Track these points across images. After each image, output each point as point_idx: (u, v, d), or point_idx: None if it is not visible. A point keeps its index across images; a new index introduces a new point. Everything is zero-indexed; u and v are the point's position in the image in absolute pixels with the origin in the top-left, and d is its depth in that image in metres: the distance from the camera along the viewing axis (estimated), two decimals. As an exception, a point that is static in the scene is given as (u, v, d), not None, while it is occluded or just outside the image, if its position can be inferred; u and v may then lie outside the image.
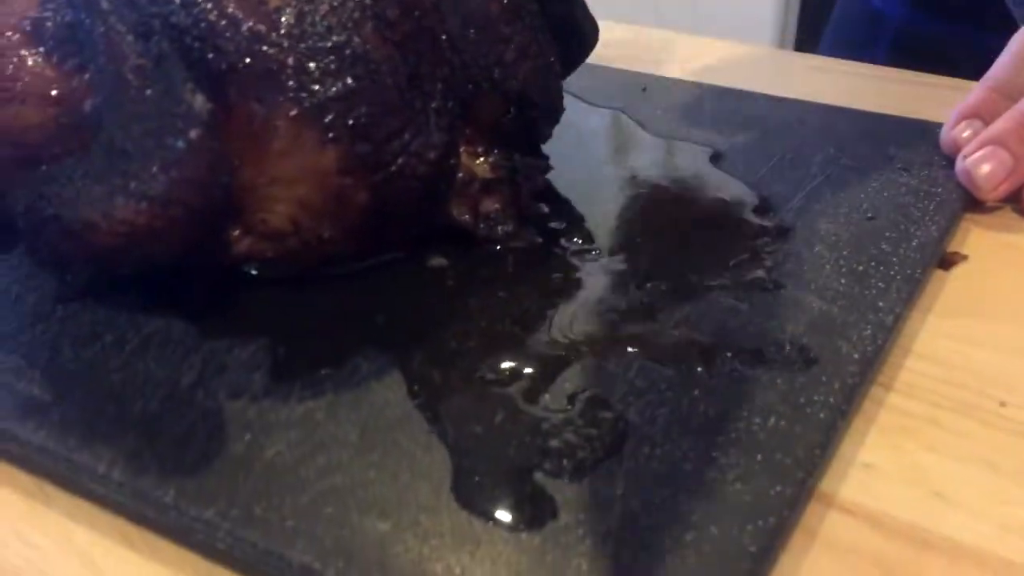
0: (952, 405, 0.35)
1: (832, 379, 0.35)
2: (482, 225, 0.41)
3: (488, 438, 0.33)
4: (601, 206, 0.46)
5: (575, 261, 0.42)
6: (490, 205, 0.41)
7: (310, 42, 0.36)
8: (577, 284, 0.40)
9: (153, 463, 0.32)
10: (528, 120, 0.43)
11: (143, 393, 0.35)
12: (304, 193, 0.36)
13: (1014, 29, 0.52)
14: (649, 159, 0.51)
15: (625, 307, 0.39)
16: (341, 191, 0.36)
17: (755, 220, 0.45)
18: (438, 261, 0.41)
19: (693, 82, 0.60)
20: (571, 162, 0.49)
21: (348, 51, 0.36)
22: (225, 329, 0.38)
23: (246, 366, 0.36)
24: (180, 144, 0.32)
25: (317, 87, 0.35)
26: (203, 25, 0.35)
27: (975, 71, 0.52)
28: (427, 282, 0.40)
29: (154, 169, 0.33)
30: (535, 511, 0.30)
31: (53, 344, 0.38)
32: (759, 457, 0.31)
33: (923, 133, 0.52)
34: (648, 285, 0.40)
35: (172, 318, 0.38)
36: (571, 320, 0.38)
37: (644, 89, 0.58)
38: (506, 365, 0.36)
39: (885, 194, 0.47)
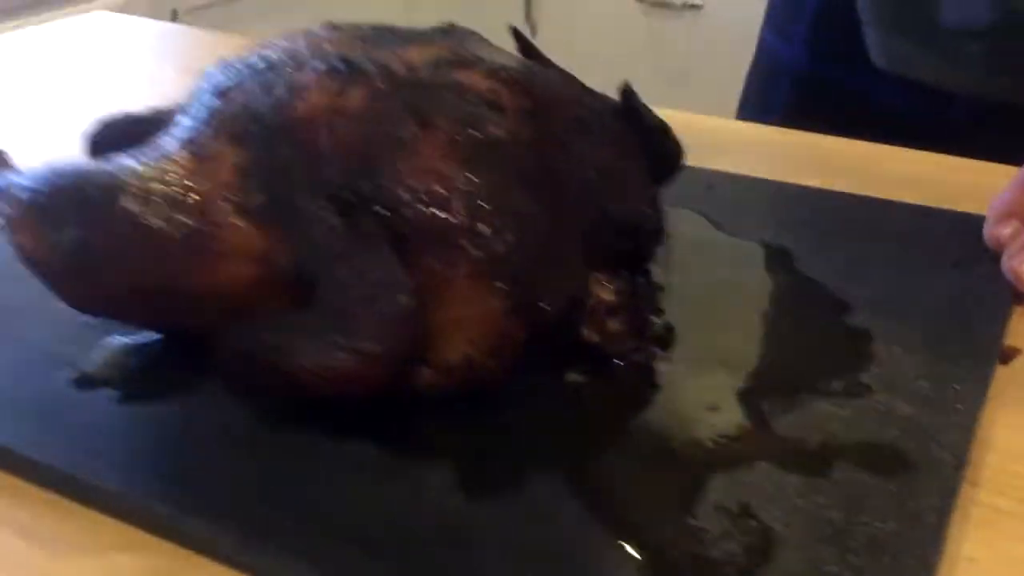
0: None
1: (932, 482, 0.41)
2: (610, 344, 0.47)
3: (654, 549, 0.39)
4: (701, 315, 0.52)
5: (686, 369, 0.48)
6: (615, 325, 0.47)
7: (477, 206, 0.42)
8: (694, 392, 0.47)
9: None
10: (640, 245, 0.49)
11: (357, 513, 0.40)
12: (476, 334, 0.42)
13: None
14: (729, 260, 0.57)
15: (743, 416, 0.45)
16: (506, 330, 0.42)
17: (838, 322, 0.51)
18: (574, 377, 0.47)
19: (750, 177, 0.66)
20: (662, 267, 0.55)
21: (508, 212, 0.42)
22: (411, 452, 0.44)
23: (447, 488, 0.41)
24: (393, 308, 0.39)
25: (485, 245, 0.41)
26: (388, 195, 0.41)
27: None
28: (568, 398, 0.47)
29: (371, 330, 0.39)
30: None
31: (264, 469, 0.43)
32: (886, 560, 0.38)
33: (967, 225, 0.59)
34: (756, 392, 0.47)
35: (362, 439, 0.44)
36: (697, 430, 0.44)
37: (711, 187, 0.64)
38: (656, 474, 0.42)
39: (943, 291, 0.54)
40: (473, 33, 0.50)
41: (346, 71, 0.44)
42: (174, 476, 0.43)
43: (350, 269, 0.40)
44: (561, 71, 0.51)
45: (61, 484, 0.43)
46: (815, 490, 0.41)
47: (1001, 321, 0.51)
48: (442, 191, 0.42)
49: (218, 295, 0.43)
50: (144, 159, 0.45)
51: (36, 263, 0.44)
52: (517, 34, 0.54)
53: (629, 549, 0.39)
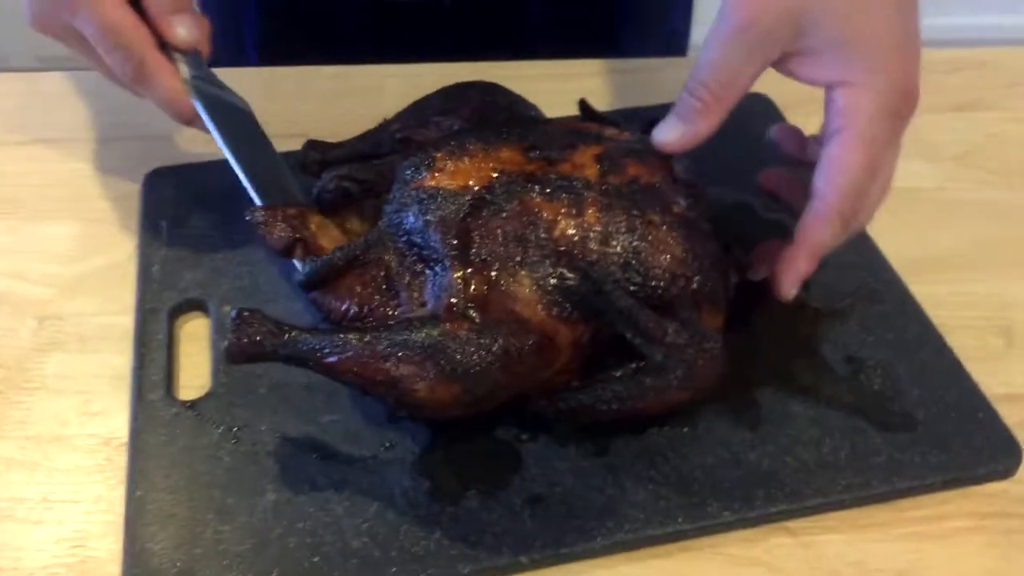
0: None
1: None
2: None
3: None
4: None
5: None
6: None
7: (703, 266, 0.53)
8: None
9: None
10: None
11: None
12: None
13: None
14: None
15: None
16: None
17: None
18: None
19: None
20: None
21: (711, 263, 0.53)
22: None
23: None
24: (715, 349, 0.51)
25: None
26: (649, 276, 0.51)
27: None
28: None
29: (707, 370, 0.51)
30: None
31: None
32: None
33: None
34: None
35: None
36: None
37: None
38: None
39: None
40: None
41: (564, 194, 0.52)
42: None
43: (662, 333, 0.50)
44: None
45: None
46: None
47: None
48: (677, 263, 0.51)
49: (546, 377, 0.51)
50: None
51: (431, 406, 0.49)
52: (585, 106, 0.61)
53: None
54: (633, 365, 0.51)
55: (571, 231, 0.51)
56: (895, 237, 0.66)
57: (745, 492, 0.51)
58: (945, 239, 0.67)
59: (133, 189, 0.68)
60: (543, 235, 0.51)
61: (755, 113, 0.74)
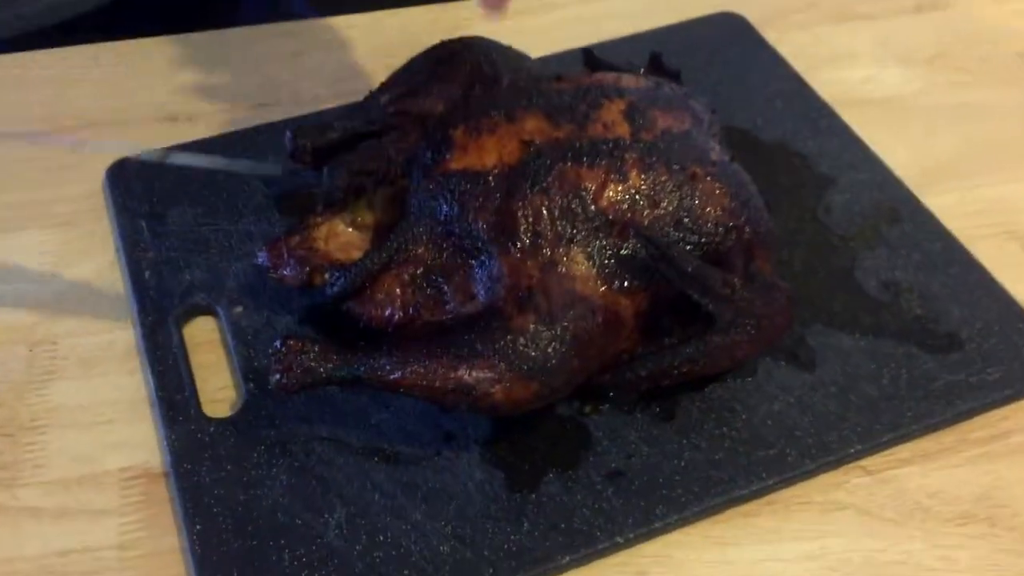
0: None
1: None
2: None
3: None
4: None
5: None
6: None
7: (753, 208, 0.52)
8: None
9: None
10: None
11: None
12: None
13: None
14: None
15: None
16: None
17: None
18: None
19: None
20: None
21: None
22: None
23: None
24: (783, 296, 0.51)
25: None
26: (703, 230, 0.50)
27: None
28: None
29: (782, 315, 0.50)
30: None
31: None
32: None
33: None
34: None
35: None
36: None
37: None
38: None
39: None
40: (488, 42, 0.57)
41: (603, 159, 0.49)
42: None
43: (730, 290, 0.48)
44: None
45: None
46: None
47: None
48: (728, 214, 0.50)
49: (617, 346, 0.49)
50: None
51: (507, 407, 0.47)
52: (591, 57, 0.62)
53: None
54: (697, 325, 0.49)
55: (618, 197, 0.49)
56: (892, 149, 0.65)
57: (819, 438, 0.50)
58: (941, 146, 0.67)
59: (94, 186, 0.62)
60: (590, 206, 0.49)
61: (730, 30, 0.72)
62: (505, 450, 0.50)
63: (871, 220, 0.61)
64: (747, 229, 0.50)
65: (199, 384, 0.53)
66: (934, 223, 0.61)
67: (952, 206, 0.62)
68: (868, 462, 0.51)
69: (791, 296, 0.50)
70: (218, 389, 0.53)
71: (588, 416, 0.51)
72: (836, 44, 0.74)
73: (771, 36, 0.73)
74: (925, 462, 0.51)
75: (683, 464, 0.49)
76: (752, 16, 0.74)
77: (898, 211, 0.61)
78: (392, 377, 0.46)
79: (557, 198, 0.48)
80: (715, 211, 0.49)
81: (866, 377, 0.53)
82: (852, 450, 0.50)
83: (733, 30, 0.73)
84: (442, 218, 0.50)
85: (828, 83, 0.70)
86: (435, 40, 0.59)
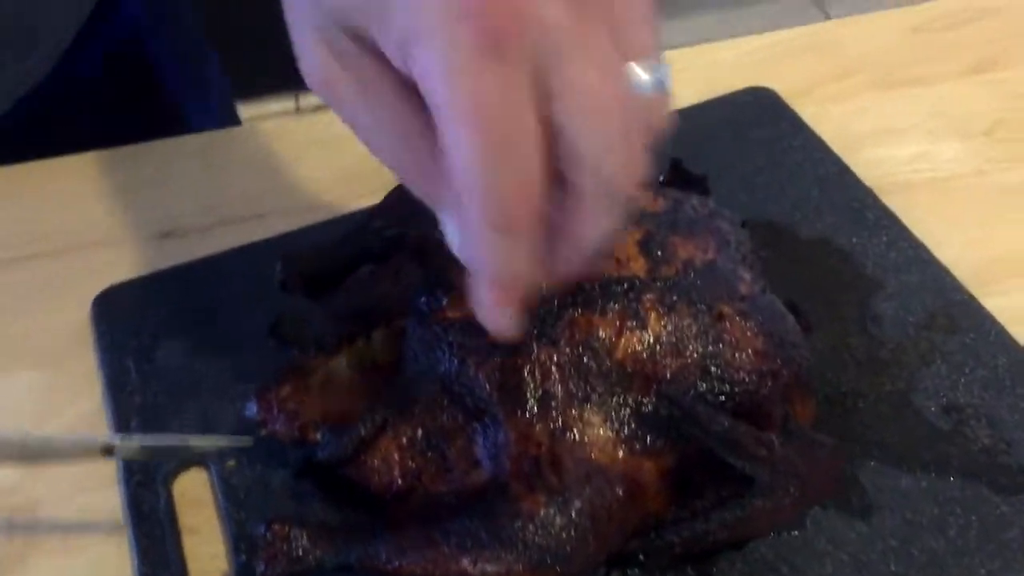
0: None
1: None
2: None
3: None
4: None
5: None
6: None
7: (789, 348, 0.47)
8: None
9: None
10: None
11: None
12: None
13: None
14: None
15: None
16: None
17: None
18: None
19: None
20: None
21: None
22: None
23: None
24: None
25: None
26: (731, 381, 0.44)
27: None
28: None
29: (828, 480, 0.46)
30: None
31: None
32: None
33: None
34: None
35: None
36: None
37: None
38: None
39: None
40: None
41: (616, 304, 0.44)
42: None
43: (766, 451, 0.43)
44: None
45: None
46: None
47: None
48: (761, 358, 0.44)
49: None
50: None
51: None
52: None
53: None
54: (732, 483, 0.44)
55: (637, 348, 0.44)
56: (947, 241, 0.59)
57: (880, 604, 0.45)
58: (1002, 235, 0.61)
59: (80, 315, 0.58)
60: (605, 360, 0.43)
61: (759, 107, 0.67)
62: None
63: (925, 331, 0.55)
64: (784, 373, 0.44)
65: (188, 552, 0.48)
66: (998, 331, 0.54)
67: (1018, 308, 0.56)
68: (935, 629, 0.45)
69: (837, 449, 0.44)
70: (210, 558, 0.48)
71: (616, 582, 0.46)
72: (879, 116, 0.68)
73: (806, 112, 0.67)
74: (999, 627, 0.45)
75: (724, 640, 0.44)
76: (784, 88, 0.68)
77: (957, 319, 0.55)
78: (388, 567, 0.41)
79: (567, 351, 0.43)
80: (746, 355, 0.44)
81: (929, 527, 0.47)
82: (917, 619, 0.44)
83: (763, 107, 0.67)
84: (441, 373, 0.45)
85: (871, 163, 0.64)
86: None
